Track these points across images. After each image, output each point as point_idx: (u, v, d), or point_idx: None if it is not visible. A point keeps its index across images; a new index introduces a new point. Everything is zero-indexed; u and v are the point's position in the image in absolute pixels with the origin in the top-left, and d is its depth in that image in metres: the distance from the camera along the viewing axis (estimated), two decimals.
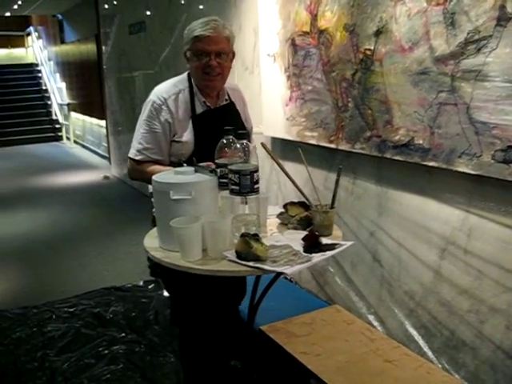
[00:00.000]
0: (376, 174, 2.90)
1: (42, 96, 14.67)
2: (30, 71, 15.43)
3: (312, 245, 1.83)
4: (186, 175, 1.94)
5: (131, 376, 3.07)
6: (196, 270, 1.76)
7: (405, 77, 2.50)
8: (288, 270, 1.69)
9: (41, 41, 15.55)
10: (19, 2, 11.53)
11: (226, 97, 2.53)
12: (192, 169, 1.99)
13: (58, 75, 14.28)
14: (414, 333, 2.77)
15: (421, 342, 2.73)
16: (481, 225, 2.33)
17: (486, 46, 2.09)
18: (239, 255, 1.75)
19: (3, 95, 13.91)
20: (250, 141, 2.49)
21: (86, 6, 9.79)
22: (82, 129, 12.61)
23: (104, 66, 8.64)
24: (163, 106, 2.37)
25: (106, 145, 9.85)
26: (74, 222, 6.33)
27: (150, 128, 2.38)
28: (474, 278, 2.39)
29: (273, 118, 3.62)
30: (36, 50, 15.68)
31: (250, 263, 1.72)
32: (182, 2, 5.26)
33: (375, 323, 3.03)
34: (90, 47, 10.42)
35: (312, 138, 3.24)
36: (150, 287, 4.21)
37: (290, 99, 3.41)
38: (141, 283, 4.28)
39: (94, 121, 11.17)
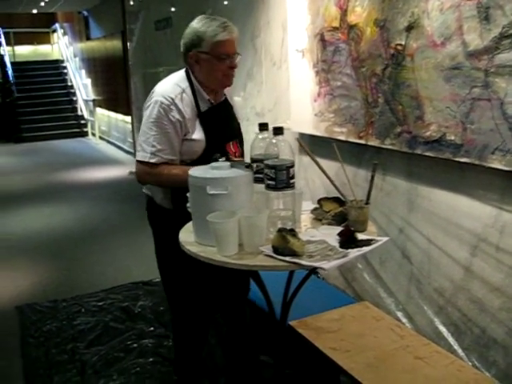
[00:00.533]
0: (406, 170, 2.88)
1: (68, 92, 14.84)
2: (55, 67, 15.62)
3: (348, 240, 1.83)
4: (222, 170, 1.95)
5: (160, 370, 3.10)
6: (232, 264, 1.77)
7: (437, 72, 2.47)
8: (326, 265, 1.69)
9: (66, 37, 15.73)
10: (46, 0, 11.68)
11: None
12: (228, 164, 2.00)
13: (83, 71, 14.43)
14: (444, 330, 2.75)
15: (450, 340, 2.71)
16: None
17: None
18: (276, 250, 1.75)
19: (29, 91, 14.11)
20: (241, 136, 2.59)
21: (112, 3, 9.87)
22: (107, 124, 12.73)
23: (130, 62, 8.70)
24: (172, 106, 2.35)
25: (131, 140, 9.92)
26: (101, 217, 6.41)
27: (161, 129, 2.35)
28: (506, 276, 2.36)
29: (301, 113, 3.61)
30: (62, 47, 15.86)
31: (287, 258, 1.72)
32: None
33: (404, 320, 3.01)
34: (115, 43, 10.50)
35: (341, 133, 3.23)
36: None
37: (319, 95, 3.40)
38: None
39: (120, 117, 11.26)
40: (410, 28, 2.60)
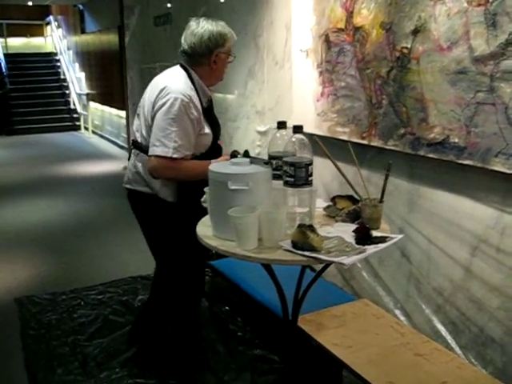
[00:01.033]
0: (408, 171, 2.93)
1: (61, 85, 14.76)
2: (48, 60, 15.52)
3: (363, 237, 1.88)
4: (242, 166, 2.00)
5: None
6: (252, 258, 1.81)
7: (442, 76, 2.52)
8: (345, 260, 1.74)
9: (60, 30, 15.64)
10: None
11: None
12: (247, 160, 2.05)
13: (77, 65, 14.37)
14: (442, 328, 2.80)
15: (448, 338, 2.76)
16: None
17: None
18: (295, 245, 1.80)
19: (22, 83, 14.03)
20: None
21: None
22: (100, 119, 12.69)
23: (126, 57, 8.67)
24: (190, 104, 2.49)
25: (125, 135, 9.91)
26: (96, 211, 6.42)
27: (181, 125, 2.47)
28: (506, 276, 2.41)
29: (303, 112, 3.65)
30: (55, 40, 15.76)
31: (306, 253, 1.77)
32: None
33: (402, 318, 3.06)
34: (111, 38, 10.47)
35: (343, 133, 3.28)
36: None
37: (322, 95, 3.44)
38: None
39: (114, 111, 11.24)
40: (416, 31, 2.65)
